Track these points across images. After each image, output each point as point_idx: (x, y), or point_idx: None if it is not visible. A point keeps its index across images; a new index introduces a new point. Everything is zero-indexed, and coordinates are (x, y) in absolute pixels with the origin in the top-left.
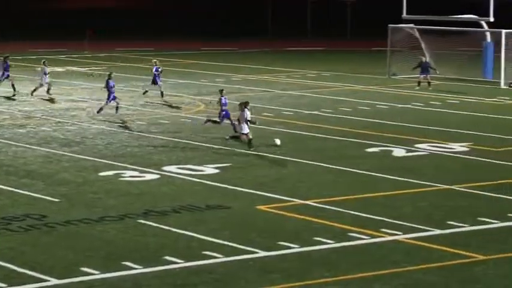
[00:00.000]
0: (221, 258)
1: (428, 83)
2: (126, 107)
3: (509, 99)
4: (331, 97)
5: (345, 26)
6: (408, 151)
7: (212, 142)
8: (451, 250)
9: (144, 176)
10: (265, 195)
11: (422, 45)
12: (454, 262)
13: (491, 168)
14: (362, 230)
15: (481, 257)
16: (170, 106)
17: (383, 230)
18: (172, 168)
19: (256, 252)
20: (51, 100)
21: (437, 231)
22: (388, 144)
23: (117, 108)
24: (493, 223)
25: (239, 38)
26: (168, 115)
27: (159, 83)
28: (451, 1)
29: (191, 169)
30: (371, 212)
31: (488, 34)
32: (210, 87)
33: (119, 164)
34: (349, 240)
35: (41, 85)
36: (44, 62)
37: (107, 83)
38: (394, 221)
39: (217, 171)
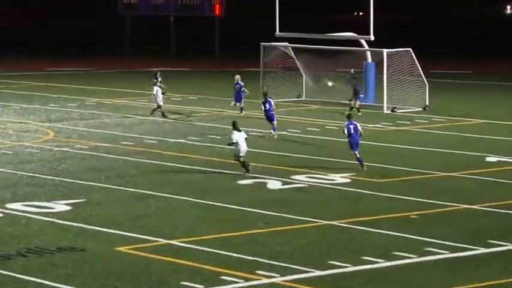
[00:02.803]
0: None
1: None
2: None
3: (392, 125)
4: (198, 123)
5: (212, 45)
6: (284, 183)
7: (63, 175)
8: None
9: None
10: (125, 234)
11: (299, 65)
12: None
13: (374, 200)
14: (235, 273)
15: None
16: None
17: (258, 271)
18: (17, 205)
19: None
20: None
21: (318, 272)
22: (263, 176)
23: None
24: (377, 262)
25: (94, 57)
26: (10, 145)
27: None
28: (327, 19)
29: (39, 206)
30: (244, 251)
31: (368, 54)
32: (62, 112)
33: None
34: (221, 285)
35: None
36: None
37: None
38: (271, 262)
39: (69, 208)
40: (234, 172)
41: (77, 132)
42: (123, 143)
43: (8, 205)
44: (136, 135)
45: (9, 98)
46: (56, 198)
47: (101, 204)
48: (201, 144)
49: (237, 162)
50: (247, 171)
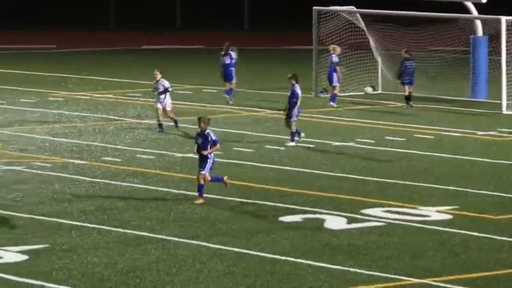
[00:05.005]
0: None
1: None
2: None
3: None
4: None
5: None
6: (351, 221)
7: (15, 208)
8: None
9: None
10: None
11: (371, 42)
12: None
13: (488, 248)
14: None
15: None
16: None
17: None
18: None
19: None
20: None
21: None
22: (318, 210)
23: None
24: None
25: (61, 29)
26: None
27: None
28: None
29: None
30: None
31: (478, 24)
32: (11, 112)
33: None
34: None
35: None
36: None
37: None
38: None
39: (23, 257)
40: (274, 204)
41: (34, 143)
42: (105, 159)
43: None
44: (126, 148)
45: None
46: (4, 243)
47: (72, 252)
48: (222, 161)
49: None
50: None
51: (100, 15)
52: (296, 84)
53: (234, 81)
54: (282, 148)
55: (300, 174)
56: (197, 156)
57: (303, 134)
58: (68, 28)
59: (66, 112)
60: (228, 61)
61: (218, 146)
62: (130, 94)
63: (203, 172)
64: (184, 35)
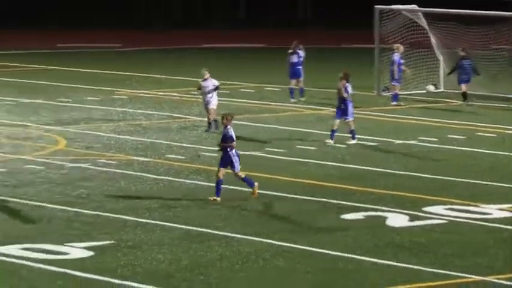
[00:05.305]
0: None
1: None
2: None
3: None
4: (275, 126)
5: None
6: (412, 218)
7: (80, 204)
8: None
9: None
10: None
11: (433, 41)
12: None
13: None
14: None
15: None
16: None
17: None
18: (13, 249)
19: None
20: None
21: None
22: (380, 207)
23: None
24: None
25: (126, 29)
26: (2, 159)
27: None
28: None
29: (45, 251)
30: None
31: None
32: (77, 110)
33: None
34: None
35: None
36: None
37: None
38: None
39: (89, 253)
40: (337, 201)
41: (100, 141)
42: (169, 156)
43: (3, 249)
44: (190, 145)
45: (1, 89)
46: (71, 239)
47: (137, 249)
48: (285, 158)
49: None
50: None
51: (163, 15)
52: (347, 84)
53: (301, 79)
54: (344, 146)
55: (362, 172)
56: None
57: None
58: (133, 28)
59: (131, 110)
60: (295, 59)
61: (234, 143)
62: (194, 92)
63: (236, 171)
64: (247, 34)
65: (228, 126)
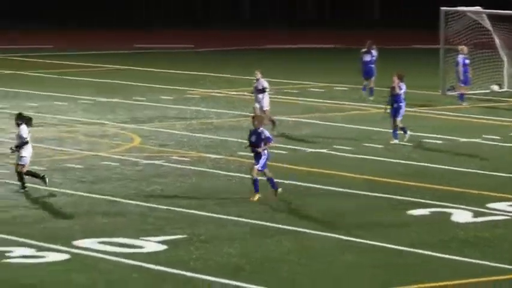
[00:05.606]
0: None
1: None
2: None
3: None
4: (343, 125)
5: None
6: (477, 214)
7: (155, 200)
8: None
9: (43, 257)
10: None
11: (497, 42)
12: None
13: None
14: None
15: None
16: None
17: None
18: (90, 243)
19: None
20: None
21: None
22: (444, 203)
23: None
24: None
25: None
26: (80, 156)
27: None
28: None
29: (121, 244)
30: None
31: None
32: (151, 109)
33: (3, 236)
34: None
35: None
36: None
37: None
38: None
39: (163, 247)
40: (402, 197)
41: (173, 138)
42: (241, 153)
43: (77, 242)
44: None
45: (80, 88)
46: (145, 233)
47: (209, 243)
48: (352, 156)
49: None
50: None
51: (234, 14)
52: (401, 84)
53: (373, 78)
54: (410, 144)
55: (427, 169)
56: (252, 153)
57: (408, 133)
58: (207, 28)
59: (204, 109)
60: (368, 58)
61: (272, 143)
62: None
63: (257, 166)
64: (316, 34)
65: (261, 128)
